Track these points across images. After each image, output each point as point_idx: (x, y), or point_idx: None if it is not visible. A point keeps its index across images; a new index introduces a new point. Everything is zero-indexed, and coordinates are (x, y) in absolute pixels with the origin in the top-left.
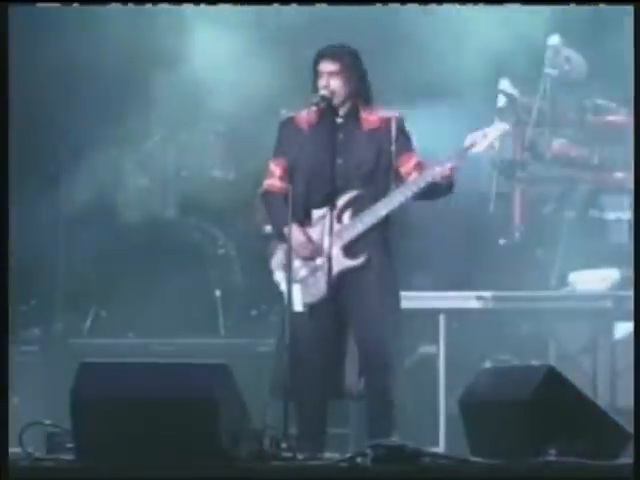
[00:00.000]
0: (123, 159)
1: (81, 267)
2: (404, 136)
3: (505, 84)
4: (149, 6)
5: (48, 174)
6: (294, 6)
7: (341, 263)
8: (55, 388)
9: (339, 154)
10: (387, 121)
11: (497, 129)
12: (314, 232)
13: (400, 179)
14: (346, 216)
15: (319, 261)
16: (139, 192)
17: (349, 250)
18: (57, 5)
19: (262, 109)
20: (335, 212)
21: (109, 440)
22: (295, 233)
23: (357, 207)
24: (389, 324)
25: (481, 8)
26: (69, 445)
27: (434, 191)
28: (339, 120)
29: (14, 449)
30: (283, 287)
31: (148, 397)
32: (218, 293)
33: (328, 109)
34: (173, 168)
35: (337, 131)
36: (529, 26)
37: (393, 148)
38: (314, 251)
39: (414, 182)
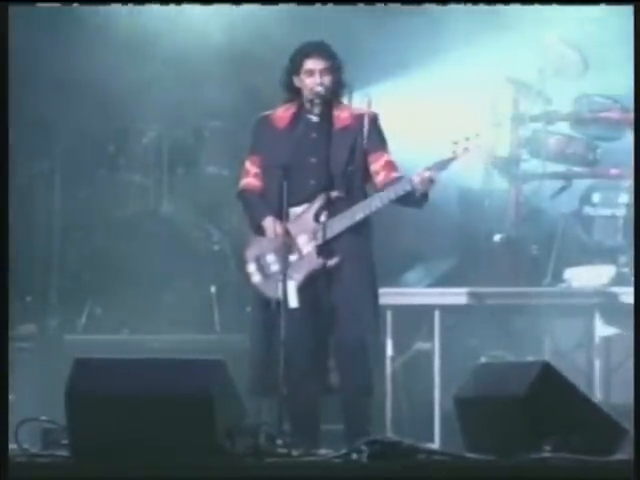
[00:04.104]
0: (118, 156)
1: (76, 264)
2: (376, 133)
3: (502, 80)
4: (147, 4)
5: (43, 171)
6: (292, 5)
7: (314, 262)
8: (50, 384)
9: (313, 153)
10: (360, 118)
11: (478, 143)
12: (292, 228)
13: (369, 177)
14: (323, 216)
15: (292, 258)
16: (134, 189)
17: (323, 250)
18: (57, 5)
19: (257, 105)
20: (312, 211)
21: (104, 436)
22: (271, 225)
23: (334, 208)
24: (366, 321)
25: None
26: (64, 441)
27: (410, 199)
28: (313, 118)
29: (10, 445)
30: (255, 279)
31: (143, 393)
32: (213, 289)
33: (312, 107)
34: (168, 164)
35: (312, 130)
36: (527, 23)
37: (365, 144)
38: (289, 244)
39: (393, 189)
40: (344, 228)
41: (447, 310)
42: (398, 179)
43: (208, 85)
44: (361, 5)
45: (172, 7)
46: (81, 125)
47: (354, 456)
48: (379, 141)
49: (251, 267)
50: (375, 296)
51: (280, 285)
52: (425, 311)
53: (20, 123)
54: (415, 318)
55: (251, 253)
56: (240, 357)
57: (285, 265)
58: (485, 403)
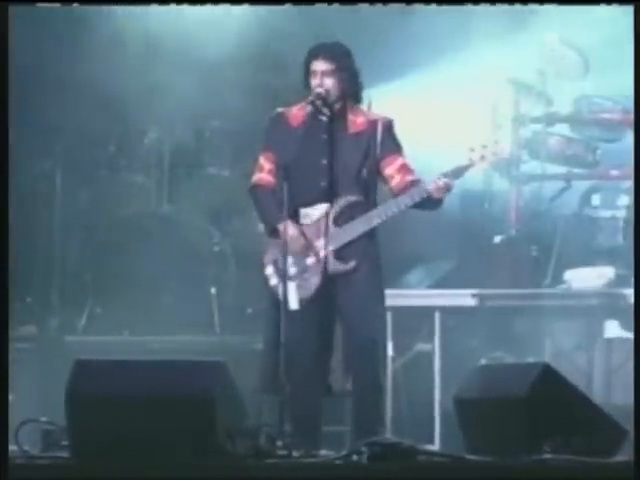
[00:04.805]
0: (119, 156)
1: (76, 264)
2: (390, 138)
3: (503, 81)
4: (147, 5)
5: (44, 172)
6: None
7: (331, 265)
8: (50, 386)
9: (324, 154)
10: (374, 123)
11: (496, 152)
12: (307, 231)
13: (384, 181)
14: (341, 220)
15: (309, 261)
16: (135, 189)
17: (340, 254)
18: (57, 5)
19: (258, 106)
20: (331, 215)
21: (104, 438)
22: (287, 228)
23: (352, 212)
24: (378, 324)
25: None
26: (64, 443)
27: (424, 204)
28: (325, 119)
29: (10, 446)
30: (273, 282)
31: (143, 395)
32: (213, 290)
33: (321, 107)
34: (169, 165)
35: (322, 131)
36: (528, 24)
37: (378, 151)
38: (306, 247)
39: (409, 195)
40: (361, 233)
41: (447, 311)
42: (413, 182)
43: (209, 86)
44: (360, 5)
45: (173, 8)
46: (82, 125)
47: (354, 457)
48: (394, 145)
49: (269, 270)
50: (383, 298)
51: (299, 286)
52: (425, 312)
53: (21, 123)
54: (415, 319)
55: (269, 256)
56: (240, 358)
57: (286, 267)
58: (485, 404)
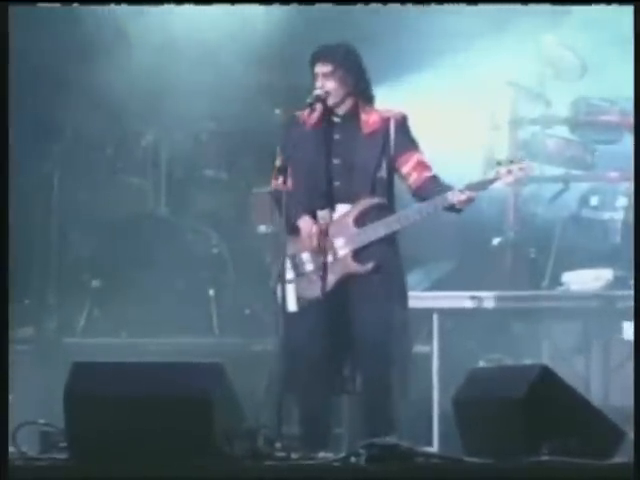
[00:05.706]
0: (116, 158)
1: (74, 266)
2: (404, 135)
3: (501, 83)
4: (145, 6)
5: (42, 173)
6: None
7: (349, 266)
8: (48, 387)
9: (336, 155)
10: (387, 121)
11: (524, 169)
12: (329, 230)
13: (402, 179)
14: (361, 222)
15: (326, 259)
16: (132, 191)
17: (358, 254)
18: (57, 5)
19: (255, 108)
20: (353, 215)
21: (102, 439)
22: (306, 224)
23: (373, 215)
24: (394, 326)
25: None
26: (62, 444)
27: (445, 209)
28: (337, 120)
29: (9, 448)
30: (289, 276)
31: (142, 396)
32: (212, 292)
33: (324, 109)
34: (166, 167)
35: (335, 131)
36: (526, 25)
37: (392, 151)
38: (323, 245)
39: (433, 204)
40: (382, 235)
41: (446, 313)
42: (431, 178)
43: (206, 88)
44: (357, 6)
45: (173, 8)
46: (80, 126)
47: (352, 459)
48: (408, 142)
49: (286, 264)
50: (404, 302)
51: (312, 285)
52: (424, 314)
53: (20, 123)
54: (414, 321)
55: (288, 251)
56: (239, 360)
57: (284, 267)
58: (483, 406)
